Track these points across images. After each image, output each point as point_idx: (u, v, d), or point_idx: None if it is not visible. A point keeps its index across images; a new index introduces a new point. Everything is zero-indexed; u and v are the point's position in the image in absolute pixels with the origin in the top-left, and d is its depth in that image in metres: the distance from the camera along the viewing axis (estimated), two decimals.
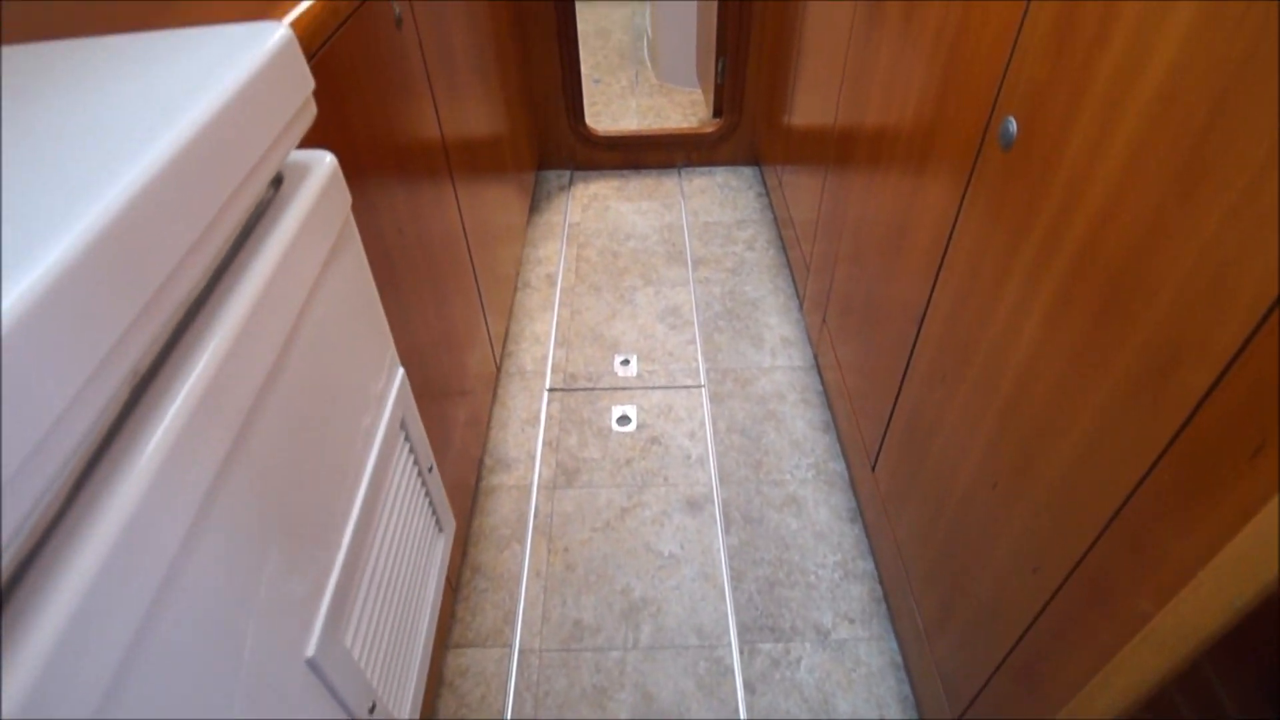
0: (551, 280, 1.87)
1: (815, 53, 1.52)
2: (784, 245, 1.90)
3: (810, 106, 1.57)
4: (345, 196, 0.62)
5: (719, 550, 1.25)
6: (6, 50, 0.48)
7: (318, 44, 0.67)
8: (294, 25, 0.63)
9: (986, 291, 0.77)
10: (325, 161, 0.58)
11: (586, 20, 3.63)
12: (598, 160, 2.28)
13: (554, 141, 2.22)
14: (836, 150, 1.35)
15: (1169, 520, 0.50)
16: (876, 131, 1.12)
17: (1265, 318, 0.41)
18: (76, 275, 0.29)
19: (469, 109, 1.30)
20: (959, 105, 0.82)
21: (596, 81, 3.00)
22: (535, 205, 2.13)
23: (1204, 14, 0.46)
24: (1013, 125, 0.70)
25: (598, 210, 2.11)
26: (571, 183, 2.24)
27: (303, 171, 0.56)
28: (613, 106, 2.76)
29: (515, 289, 1.82)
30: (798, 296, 1.74)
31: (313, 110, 0.54)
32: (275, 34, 0.48)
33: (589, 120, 2.24)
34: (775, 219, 2.01)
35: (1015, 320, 0.71)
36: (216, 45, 0.47)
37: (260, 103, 0.46)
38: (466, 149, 1.27)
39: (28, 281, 0.27)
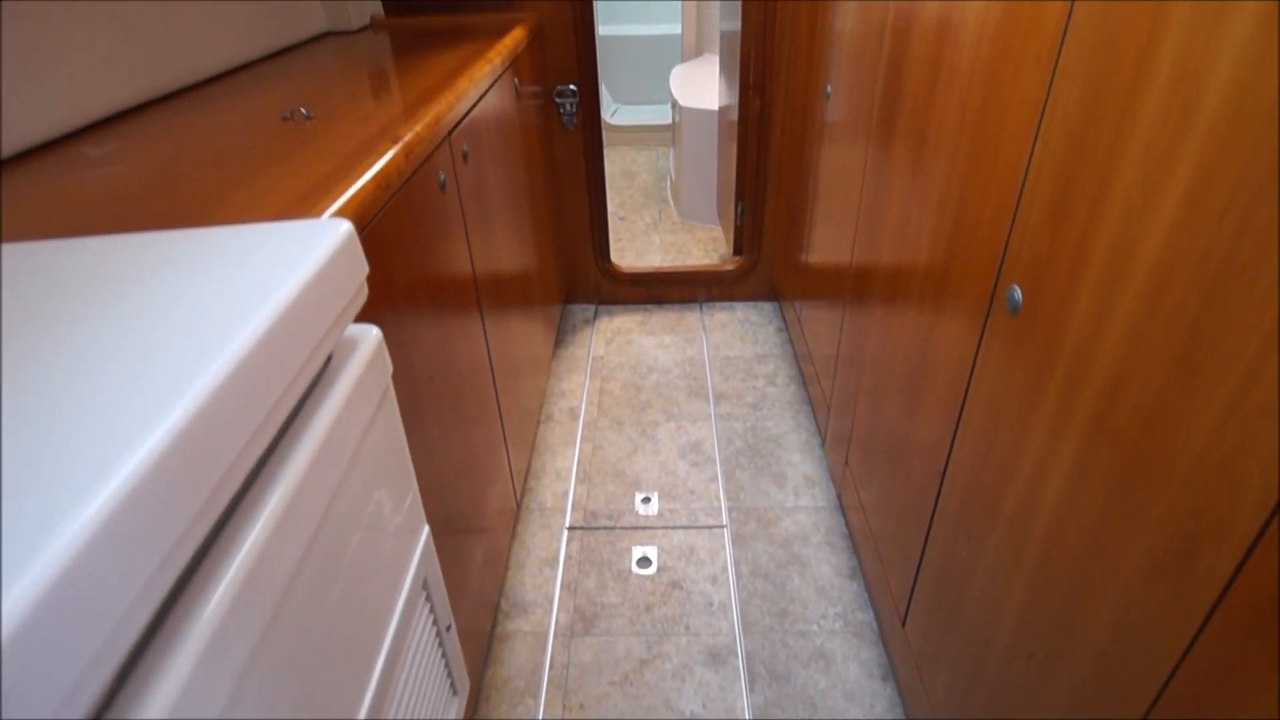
0: (574, 414, 1.90)
1: (830, 195, 1.61)
2: (805, 380, 1.93)
3: (826, 245, 1.63)
4: (387, 366, 0.65)
5: (743, 710, 1.19)
6: (91, 241, 0.53)
7: (369, 219, 0.73)
8: (350, 203, 0.69)
9: (1008, 446, 0.77)
10: (371, 335, 0.62)
11: (614, 163, 3.88)
12: (622, 295, 2.37)
13: (580, 277, 2.32)
14: (853, 287, 1.39)
15: (1211, 707, 0.48)
16: (892, 271, 1.16)
17: (1269, 521, 0.42)
18: (150, 480, 0.32)
19: (501, 249, 1.37)
20: (967, 261, 0.86)
21: (622, 219, 3.16)
22: (560, 338, 2.20)
23: (1185, 211, 0.49)
24: (1018, 293, 0.73)
25: (621, 344, 2.17)
26: (596, 316, 2.32)
27: (351, 345, 0.60)
28: (637, 242, 2.89)
29: (538, 422, 1.85)
30: (819, 433, 1.74)
31: (365, 292, 0.58)
32: (339, 229, 0.53)
33: (614, 256, 2.35)
34: (795, 354, 2.05)
35: (1038, 480, 0.71)
36: (286, 241, 0.52)
37: (324, 294, 0.50)
38: (496, 285, 1.33)
39: (102, 496, 0.29)
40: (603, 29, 4.70)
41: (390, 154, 0.81)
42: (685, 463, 1.71)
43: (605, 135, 4.12)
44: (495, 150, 1.36)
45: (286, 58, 1.43)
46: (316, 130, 0.93)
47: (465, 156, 1.12)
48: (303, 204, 0.68)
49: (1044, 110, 0.67)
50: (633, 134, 4.21)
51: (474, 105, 1.17)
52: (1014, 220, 0.74)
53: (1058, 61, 0.65)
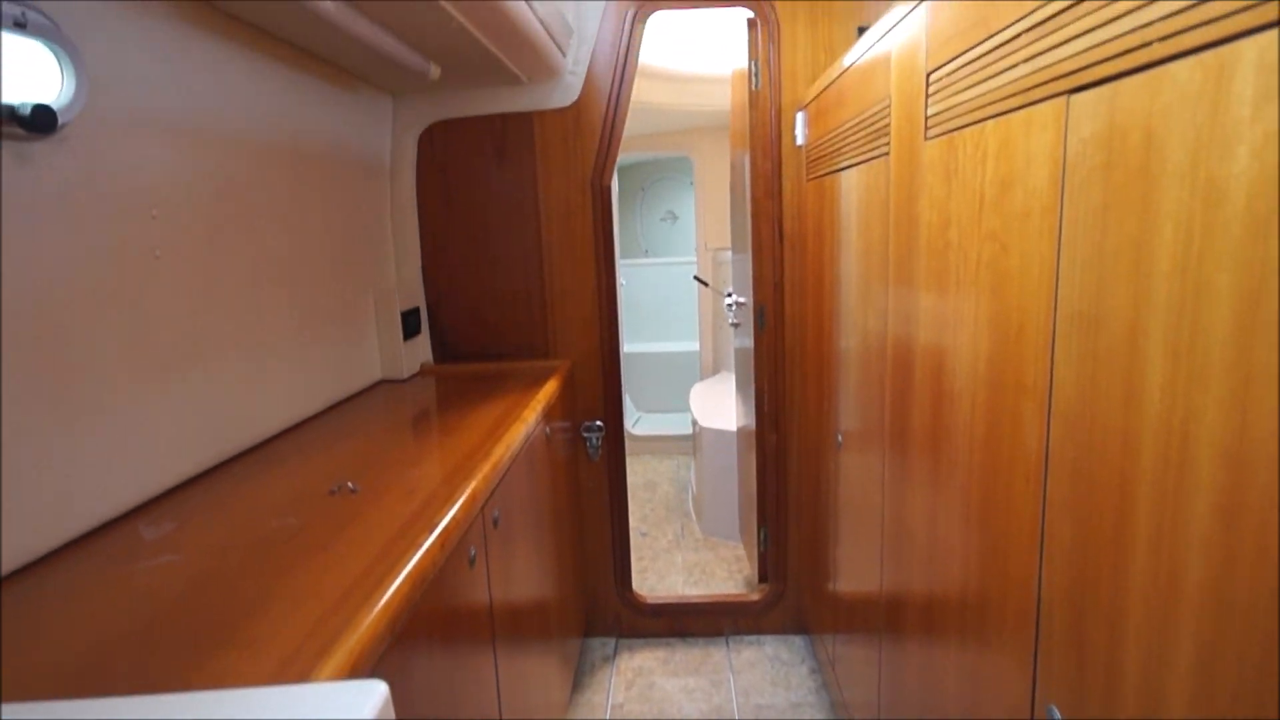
0: None
1: (852, 520, 1.59)
2: None
3: (853, 570, 1.59)
4: None
5: None
6: (122, 702, 0.53)
7: (398, 622, 0.74)
8: (383, 616, 0.70)
9: None
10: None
11: (635, 473, 3.97)
12: (643, 627, 2.27)
13: (601, 607, 2.25)
14: (887, 618, 1.32)
15: None
16: (925, 600, 1.10)
17: None
18: None
19: (521, 588, 1.34)
20: (1005, 591, 0.82)
21: (644, 534, 3.15)
22: (578, 679, 2.07)
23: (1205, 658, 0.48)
24: (1056, 713, 0.69)
25: (642, 688, 2.02)
26: (616, 652, 2.20)
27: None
28: (659, 562, 2.85)
29: None
30: None
31: None
32: (374, 697, 0.53)
33: (635, 576, 2.30)
34: (831, 701, 1.89)
35: None
36: (324, 704, 0.52)
37: None
38: (514, 624, 1.28)
39: None
40: (628, 347, 5.15)
41: (426, 545, 0.84)
42: None
43: (627, 445, 4.31)
44: (525, 505, 1.41)
45: (343, 408, 1.56)
46: (361, 506, 0.98)
47: (496, 523, 1.16)
48: (338, 612, 0.69)
49: (1044, 508, 0.70)
50: (655, 443, 4.37)
51: (508, 469, 1.24)
52: (1041, 566, 0.72)
53: (1049, 431, 0.69)
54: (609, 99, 1.94)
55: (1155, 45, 0.52)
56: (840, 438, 1.66)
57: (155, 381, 1.04)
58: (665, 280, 5.54)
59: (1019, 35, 0.72)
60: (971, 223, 0.86)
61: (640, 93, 2.85)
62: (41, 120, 0.80)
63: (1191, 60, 0.49)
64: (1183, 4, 0.49)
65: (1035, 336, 0.72)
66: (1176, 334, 0.51)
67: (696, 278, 4.12)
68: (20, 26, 0.78)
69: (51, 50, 0.84)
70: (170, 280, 1.07)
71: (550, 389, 1.72)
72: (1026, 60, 0.71)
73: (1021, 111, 0.73)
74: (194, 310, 1.12)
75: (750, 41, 1.99)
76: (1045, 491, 0.72)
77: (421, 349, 2.00)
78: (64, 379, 0.89)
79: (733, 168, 2.56)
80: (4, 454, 0.80)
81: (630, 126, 2.03)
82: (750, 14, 1.95)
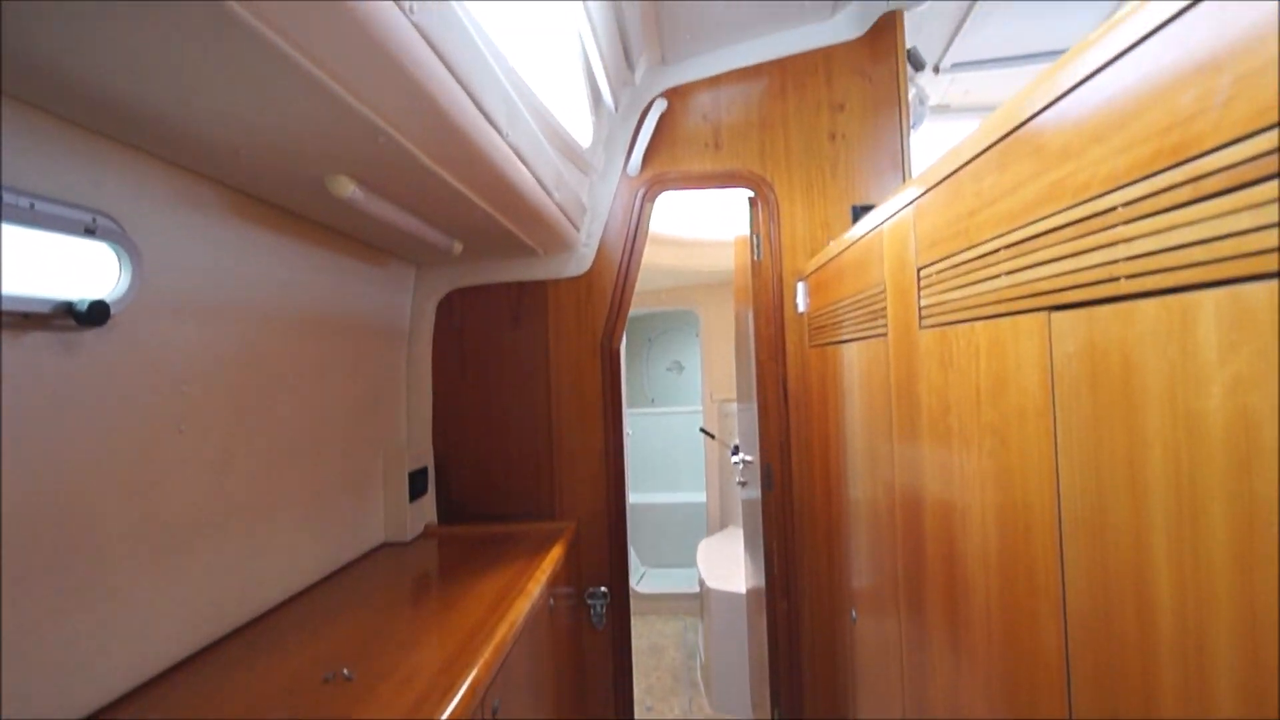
0: None
1: (871, 694, 1.51)
2: None
3: None
4: None
5: None
6: None
7: None
8: None
9: None
10: None
11: (640, 636, 3.78)
12: None
13: None
14: None
15: None
16: None
17: None
18: None
19: None
20: None
21: (649, 709, 2.97)
22: None
23: None
24: None
25: None
26: None
27: None
28: None
29: None
30: None
31: None
32: None
33: None
34: None
35: None
36: None
37: None
38: None
39: None
40: (634, 498, 5.08)
41: None
42: None
43: (631, 604, 4.14)
44: (526, 687, 1.36)
45: (345, 575, 1.54)
46: (355, 699, 0.95)
47: (495, 712, 1.11)
48: None
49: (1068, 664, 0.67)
50: (661, 602, 4.20)
51: (510, 650, 1.20)
52: None
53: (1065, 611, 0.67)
54: (619, 269, 2.06)
55: (1123, 281, 0.57)
56: (854, 614, 1.61)
57: (158, 561, 1.04)
58: (672, 430, 5.57)
59: (998, 250, 0.78)
60: (971, 413, 0.89)
61: (648, 256, 3.01)
62: (96, 315, 0.86)
63: (1157, 301, 0.53)
64: (1141, 250, 0.54)
65: (1043, 537, 0.73)
66: (1180, 555, 0.52)
67: (703, 429, 4.15)
68: (90, 232, 0.86)
69: (114, 251, 0.92)
70: (189, 455, 1.09)
71: (555, 555, 1.69)
72: (1009, 274, 0.77)
73: (1008, 319, 0.78)
74: (207, 485, 1.14)
75: (751, 217, 2.14)
76: (1070, 698, 0.70)
77: (427, 509, 1.99)
78: (66, 562, 0.89)
79: (737, 321, 2.66)
80: (3, 640, 0.79)
81: (638, 284, 2.13)
82: (751, 193, 2.11)
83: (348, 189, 1.08)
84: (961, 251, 0.89)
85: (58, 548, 0.87)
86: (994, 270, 0.80)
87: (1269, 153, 0.42)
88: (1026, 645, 0.78)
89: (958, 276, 0.91)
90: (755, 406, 2.16)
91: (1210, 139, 0.47)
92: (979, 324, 0.86)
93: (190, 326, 1.08)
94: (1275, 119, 0.42)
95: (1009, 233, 0.75)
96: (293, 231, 1.31)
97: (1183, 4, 0.49)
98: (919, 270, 1.05)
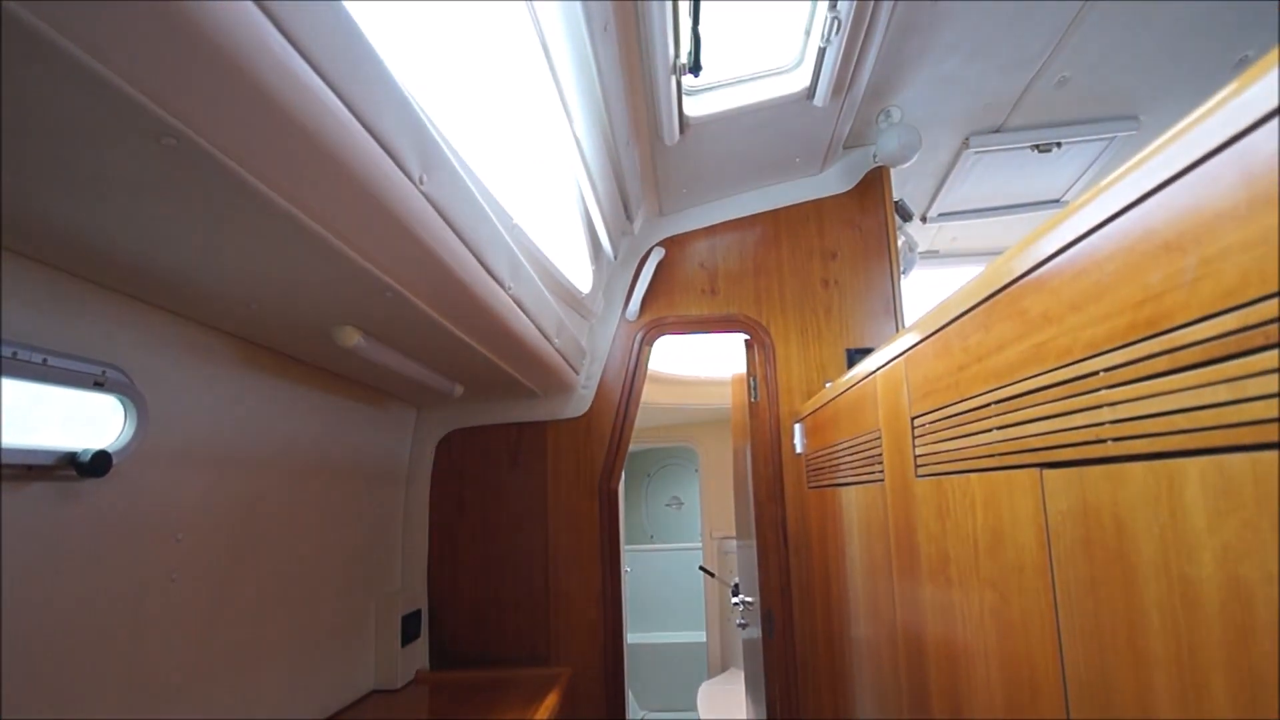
0: None
1: None
2: None
3: None
4: None
5: None
6: None
7: None
8: None
9: None
10: None
11: None
12: None
13: None
14: None
15: None
16: None
17: None
18: None
19: None
20: None
21: None
22: None
23: None
24: None
25: None
26: None
27: None
28: None
29: None
30: None
31: None
32: None
33: None
34: None
35: None
36: None
37: None
38: None
39: None
40: (632, 638, 4.85)
41: None
42: None
43: None
44: None
45: None
46: None
47: None
48: None
49: None
50: None
51: None
52: None
53: None
54: (618, 409, 2.08)
55: (1110, 444, 0.58)
56: None
57: (143, 713, 0.99)
58: (671, 567, 5.40)
59: (989, 405, 0.80)
60: (970, 567, 0.88)
61: (647, 395, 3.05)
62: (98, 466, 0.86)
63: (1144, 465, 0.54)
64: (1125, 415, 0.56)
65: (1050, 704, 0.70)
66: None
67: (702, 568, 4.02)
68: (99, 385, 0.88)
69: (121, 403, 0.93)
70: (179, 604, 1.06)
71: (550, 704, 1.60)
72: (999, 429, 0.78)
73: (1002, 472, 0.79)
74: (196, 635, 1.10)
75: (748, 359, 2.19)
76: None
77: (419, 654, 1.90)
78: (53, 710, 0.85)
79: (735, 457, 2.64)
80: None
81: (637, 420, 2.15)
82: (747, 336, 2.17)
83: (353, 339, 1.12)
84: (954, 404, 0.90)
85: (45, 696, 0.83)
86: (985, 424, 0.82)
87: (1239, 330, 0.45)
88: None
89: (951, 428, 0.92)
90: (755, 546, 2.12)
91: (1181, 314, 0.49)
92: (974, 476, 0.86)
93: (189, 473, 1.08)
94: (1242, 299, 0.44)
95: (998, 389, 0.77)
96: (296, 377, 1.34)
97: (1146, 189, 0.52)
98: (913, 419, 1.07)
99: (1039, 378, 0.69)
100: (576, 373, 1.95)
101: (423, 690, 1.77)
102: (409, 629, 1.82)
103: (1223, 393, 0.46)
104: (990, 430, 0.81)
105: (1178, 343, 0.50)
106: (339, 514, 1.57)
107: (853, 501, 1.47)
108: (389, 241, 0.83)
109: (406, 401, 1.89)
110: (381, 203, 0.74)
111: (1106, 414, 0.58)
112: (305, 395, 1.38)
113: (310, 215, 0.73)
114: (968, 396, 0.86)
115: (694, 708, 3.57)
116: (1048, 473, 0.69)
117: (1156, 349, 0.52)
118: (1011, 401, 0.75)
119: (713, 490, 4.32)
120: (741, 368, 2.28)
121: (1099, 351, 0.59)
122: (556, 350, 1.62)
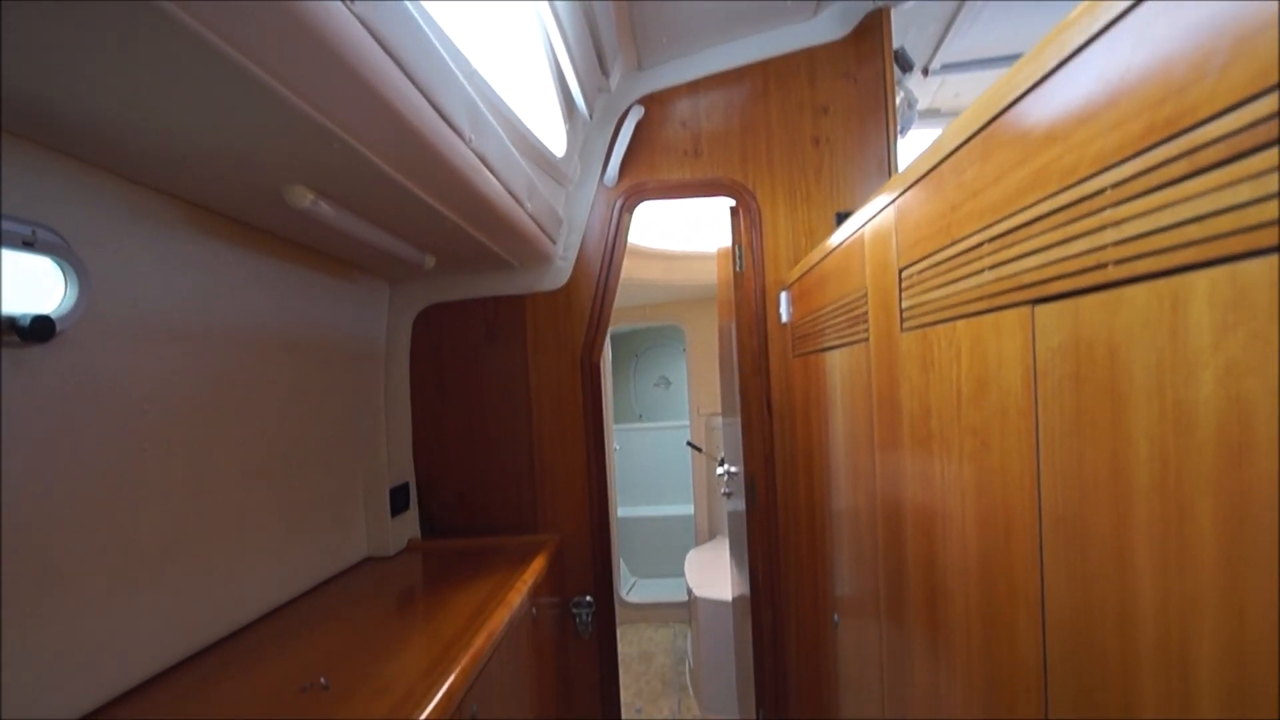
0: None
1: (851, 695, 1.46)
2: None
3: None
4: None
5: None
6: None
7: None
8: None
9: None
10: None
11: (630, 643, 3.75)
12: None
13: None
14: None
15: None
16: None
17: None
18: None
19: None
20: None
21: (638, 710, 2.93)
22: None
23: None
24: None
25: None
26: None
27: None
28: None
29: None
30: None
31: None
32: None
33: None
34: None
35: None
36: None
37: None
38: None
39: None
40: (623, 511, 5.04)
41: None
42: None
43: (622, 613, 4.10)
44: (507, 694, 1.32)
45: (327, 589, 1.49)
46: (331, 707, 0.93)
47: (474, 715, 1.08)
48: None
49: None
50: (650, 611, 4.17)
51: (489, 659, 1.16)
52: None
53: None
54: (598, 282, 2.02)
55: (1110, 268, 0.54)
56: (837, 618, 1.57)
57: (130, 579, 1.00)
58: (659, 444, 5.53)
59: (981, 245, 0.75)
60: (952, 416, 0.86)
61: (631, 270, 2.99)
62: (40, 330, 0.81)
63: (1146, 286, 0.50)
64: (1131, 233, 0.51)
65: (1023, 542, 0.69)
66: (1164, 556, 0.49)
67: (690, 443, 4.11)
68: (29, 245, 0.82)
69: (58, 265, 0.87)
70: (156, 476, 1.05)
71: (537, 566, 1.65)
72: (991, 268, 0.74)
73: (990, 315, 0.75)
74: (178, 506, 1.10)
75: (733, 226, 2.11)
76: (1047, 704, 0.66)
77: (409, 525, 1.94)
78: (35, 579, 0.86)
79: (721, 336, 2.62)
80: None
81: (622, 299, 2.10)
82: (732, 202, 2.08)
83: (305, 199, 1.04)
84: (944, 249, 0.86)
85: (38, 563, 0.85)
86: (977, 265, 0.77)
87: (1269, 118, 0.39)
88: (1004, 650, 0.74)
89: (939, 275, 0.88)
90: (740, 420, 2.13)
91: (1206, 107, 0.44)
92: (960, 322, 0.83)
93: (147, 344, 1.03)
94: (1275, 80, 0.39)
95: (992, 224, 0.72)
96: (255, 246, 1.27)
97: None
98: (900, 271, 1.02)
99: (1038, 206, 0.63)
100: (553, 242, 1.88)
101: (415, 557, 1.82)
102: (397, 501, 1.85)
103: (1244, 192, 0.42)
104: (981, 272, 0.76)
105: (1198, 141, 0.45)
106: (317, 390, 1.54)
107: (837, 365, 1.45)
108: (322, 75, 0.74)
109: (378, 275, 1.83)
110: (302, 21, 0.65)
111: (1110, 235, 0.53)
112: (268, 266, 1.32)
113: (228, 40, 0.64)
114: (959, 239, 0.81)
115: (682, 573, 3.75)
116: (1039, 309, 0.65)
117: (1174, 152, 0.47)
118: (1006, 237, 0.70)
119: (700, 369, 4.34)
120: (727, 241, 2.21)
121: (1108, 166, 0.53)
122: (529, 215, 1.54)
